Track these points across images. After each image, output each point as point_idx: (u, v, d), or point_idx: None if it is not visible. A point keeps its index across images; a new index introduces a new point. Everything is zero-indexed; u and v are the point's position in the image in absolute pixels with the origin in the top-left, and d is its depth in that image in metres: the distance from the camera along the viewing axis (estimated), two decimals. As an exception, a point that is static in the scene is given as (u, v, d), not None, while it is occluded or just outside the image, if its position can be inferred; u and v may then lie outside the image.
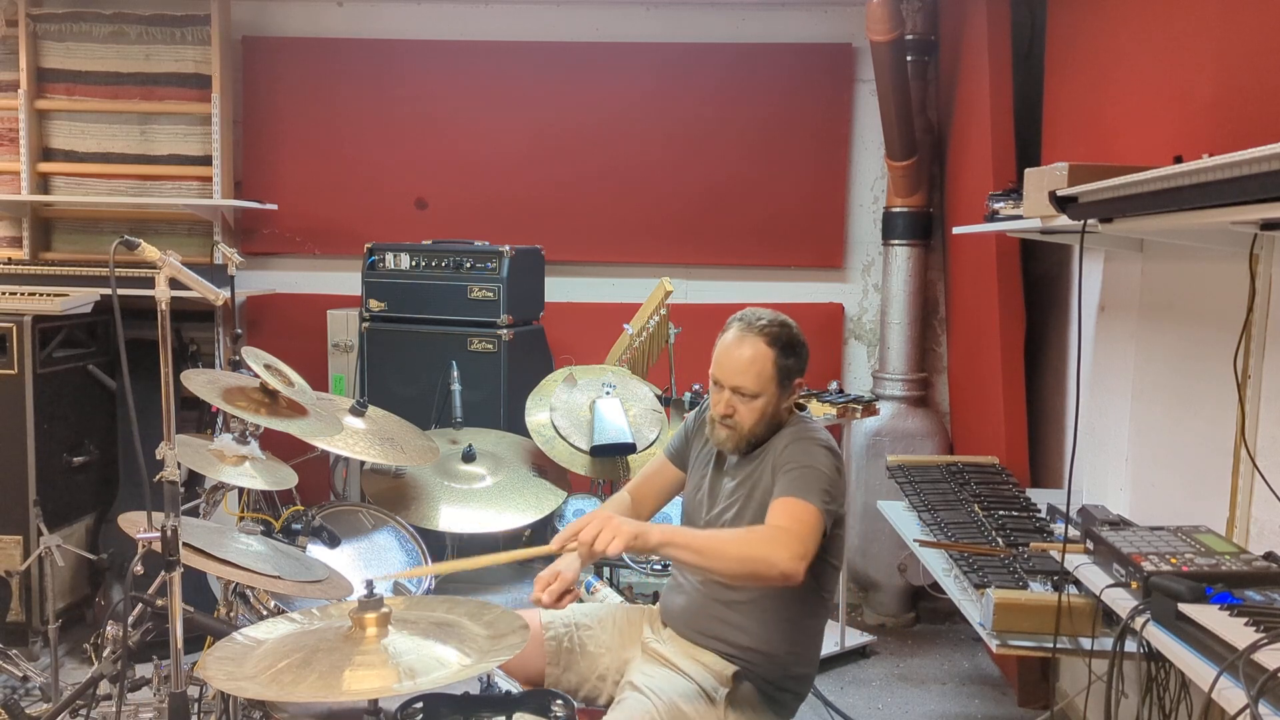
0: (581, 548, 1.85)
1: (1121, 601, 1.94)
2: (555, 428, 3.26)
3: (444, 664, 1.65)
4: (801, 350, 2.15)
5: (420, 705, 1.81)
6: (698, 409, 2.37)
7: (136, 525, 2.07)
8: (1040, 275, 3.62)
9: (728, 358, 2.11)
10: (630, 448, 3.21)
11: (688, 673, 2.09)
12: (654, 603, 2.42)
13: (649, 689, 2.04)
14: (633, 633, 2.28)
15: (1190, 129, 2.40)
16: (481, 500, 3.06)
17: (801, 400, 2.30)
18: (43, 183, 4.26)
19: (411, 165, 4.33)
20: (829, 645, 3.72)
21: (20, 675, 2.86)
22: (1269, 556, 1.93)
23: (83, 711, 2.22)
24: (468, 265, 3.73)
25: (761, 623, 2.10)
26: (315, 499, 3.54)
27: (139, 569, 2.19)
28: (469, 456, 3.18)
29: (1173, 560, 1.90)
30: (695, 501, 2.27)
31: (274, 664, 1.66)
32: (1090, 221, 2.11)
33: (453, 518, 3.00)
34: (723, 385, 2.12)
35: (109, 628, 2.23)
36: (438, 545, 3.26)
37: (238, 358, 2.65)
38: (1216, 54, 2.31)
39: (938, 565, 2.67)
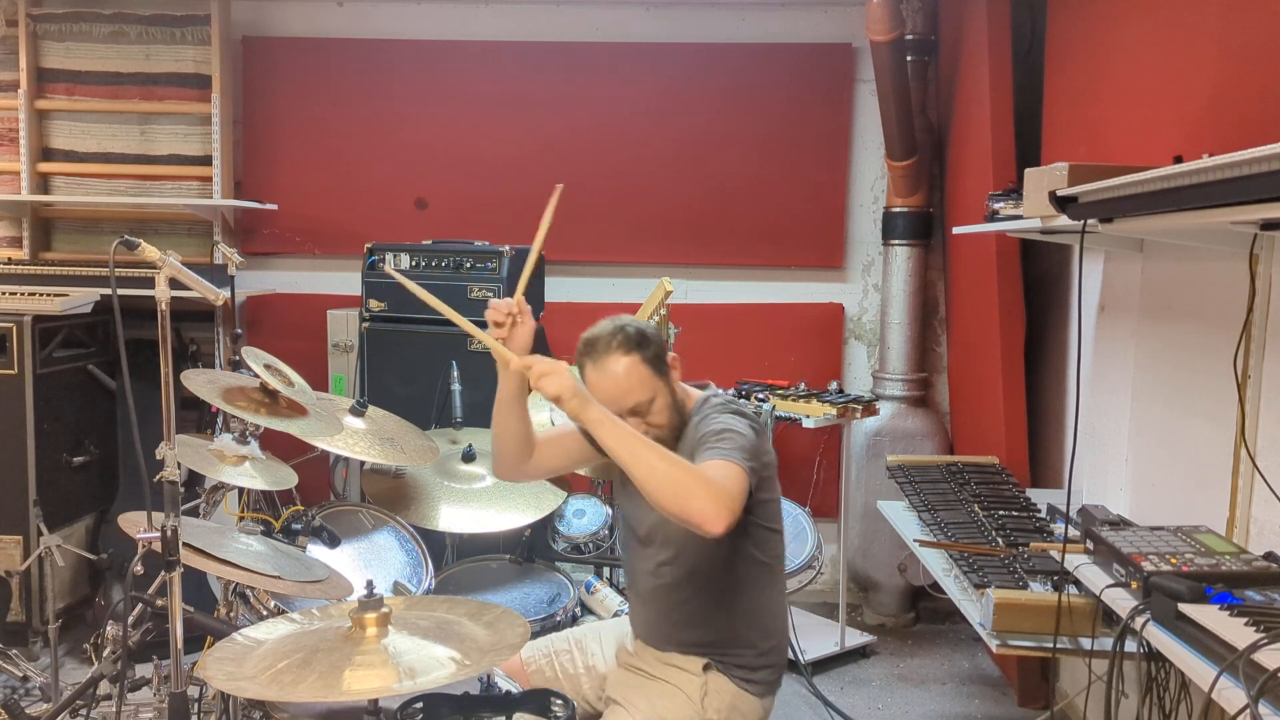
0: (528, 372, 1.89)
1: (1121, 601, 1.94)
2: (555, 427, 3.26)
3: (444, 664, 1.65)
4: (651, 334, 2.07)
5: (420, 705, 1.81)
6: None
7: (136, 525, 2.07)
8: (1040, 275, 3.62)
9: (606, 389, 2.02)
10: (630, 448, 3.20)
11: (661, 677, 2.12)
12: None
13: (627, 701, 2.09)
14: (610, 649, 2.31)
15: (1190, 129, 2.40)
16: (481, 500, 3.06)
17: (704, 380, 2.27)
18: (43, 183, 4.26)
19: (411, 165, 4.33)
20: (829, 645, 3.72)
21: (20, 675, 2.86)
22: (1269, 556, 1.93)
23: (83, 711, 2.22)
24: (468, 265, 3.73)
25: (718, 612, 2.11)
26: (315, 499, 3.54)
27: (139, 569, 2.19)
28: (469, 456, 3.18)
29: (1173, 560, 1.90)
30: (633, 504, 2.20)
31: (274, 664, 1.66)
32: (1090, 221, 2.11)
33: (453, 518, 3.00)
34: (622, 415, 2.02)
35: (109, 628, 2.23)
36: (438, 545, 3.26)
37: (238, 358, 2.65)
38: (1216, 54, 2.31)
39: (938, 565, 2.67)
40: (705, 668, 2.11)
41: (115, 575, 3.60)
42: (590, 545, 3.34)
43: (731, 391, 2.37)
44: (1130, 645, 1.94)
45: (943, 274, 4.25)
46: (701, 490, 1.78)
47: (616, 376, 2.02)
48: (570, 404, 1.83)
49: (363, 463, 3.27)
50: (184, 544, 1.98)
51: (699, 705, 2.07)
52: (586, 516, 3.38)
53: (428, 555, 3.00)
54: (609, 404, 2.01)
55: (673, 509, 1.79)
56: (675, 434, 2.09)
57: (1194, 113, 2.39)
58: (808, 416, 3.55)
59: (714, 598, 2.11)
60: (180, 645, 1.95)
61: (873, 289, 4.37)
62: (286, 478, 2.59)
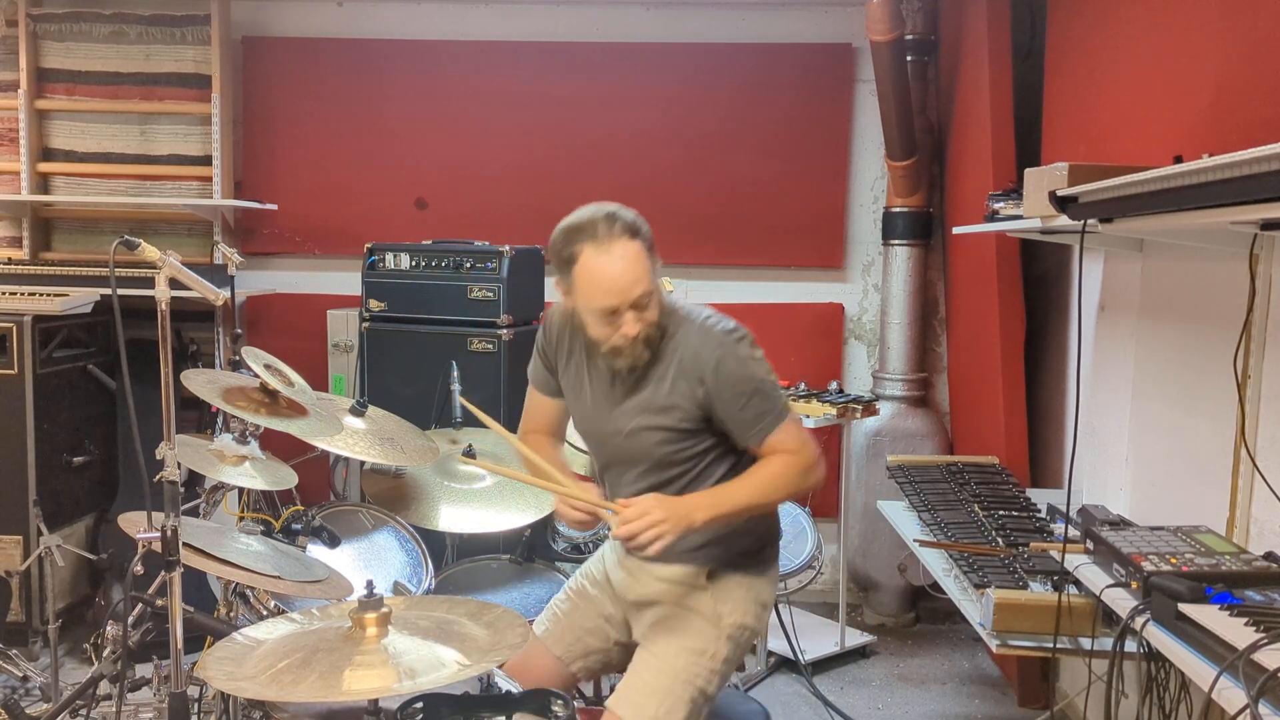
0: (633, 540, 1.86)
1: (1121, 601, 1.94)
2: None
3: (444, 664, 1.65)
4: (643, 221, 1.93)
5: (420, 705, 1.80)
6: (543, 332, 2.14)
7: (136, 525, 2.07)
8: (1040, 275, 3.62)
9: (615, 277, 1.83)
10: (630, 448, 3.20)
11: (673, 603, 2.06)
12: None
13: (650, 642, 2.05)
14: (607, 591, 2.19)
15: (1190, 129, 2.40)
16: (481, 500, 3.06)
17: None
18: (43, 183, 4.26)
19: (411, 165, 4.33)
20: (829, 645, 3.72)
21: (20, 675, 2.86)
22: (1269, 556, 1.93)
23: (83, 711, 2.22)
24: (468, 265, 3.73)
25: None
26: (315, 499, 3.54)
27: (139, 569, 2.19)
28: (469, 456, 3.17)
29: (1173, 560, 1.90)
30: (601, 420, 2.05)
31: (274, 664, 1.66)
32: (1090, 221, 2.11)
33: (453, 518, 2.99)
34: (620, 309, 1.86)
35: (109, 628, 2.23)
36: (438, 545, 3.26)
37: (238, 358, 2.65)
38: (1216, 54, 2.31)
39: (938, 565, 2.67)
40: (710, 575, 2.05)
41: (115, 575, 3.59)
42: (590, 545, 3.33)
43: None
44: (1130, 645, 1.94)
45: (943, 274, 4.25)
46: (806, 482, 1.98)
47: (627, 263, 1.84)
48: (685, 534, 1.86)
49: (363, 463, 3.26)
50: (184, 544, 1.98)
51: (714, 618, 2.03)
52: (586, 516, 3.37)
53: (428, 555, 3.00)
54: (616, 295, 1.85)
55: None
56: (660, 333, 1.95)
57: (1194, 113, 2.39)
58: (808, 416, 3.55)
59: None
60: (180, 645, 1.95)
61: (873, 289, 4.37)
62: (286, 478, 2.59)
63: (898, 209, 4.12)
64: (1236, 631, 1.60)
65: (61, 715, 2.19)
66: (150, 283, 1.94)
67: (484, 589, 3.06)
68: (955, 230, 3.51)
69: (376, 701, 1.70)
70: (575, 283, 1.90)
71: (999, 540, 2.66)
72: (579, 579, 2.29)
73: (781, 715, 3.34)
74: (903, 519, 3.02)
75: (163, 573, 2.03)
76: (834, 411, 3.56)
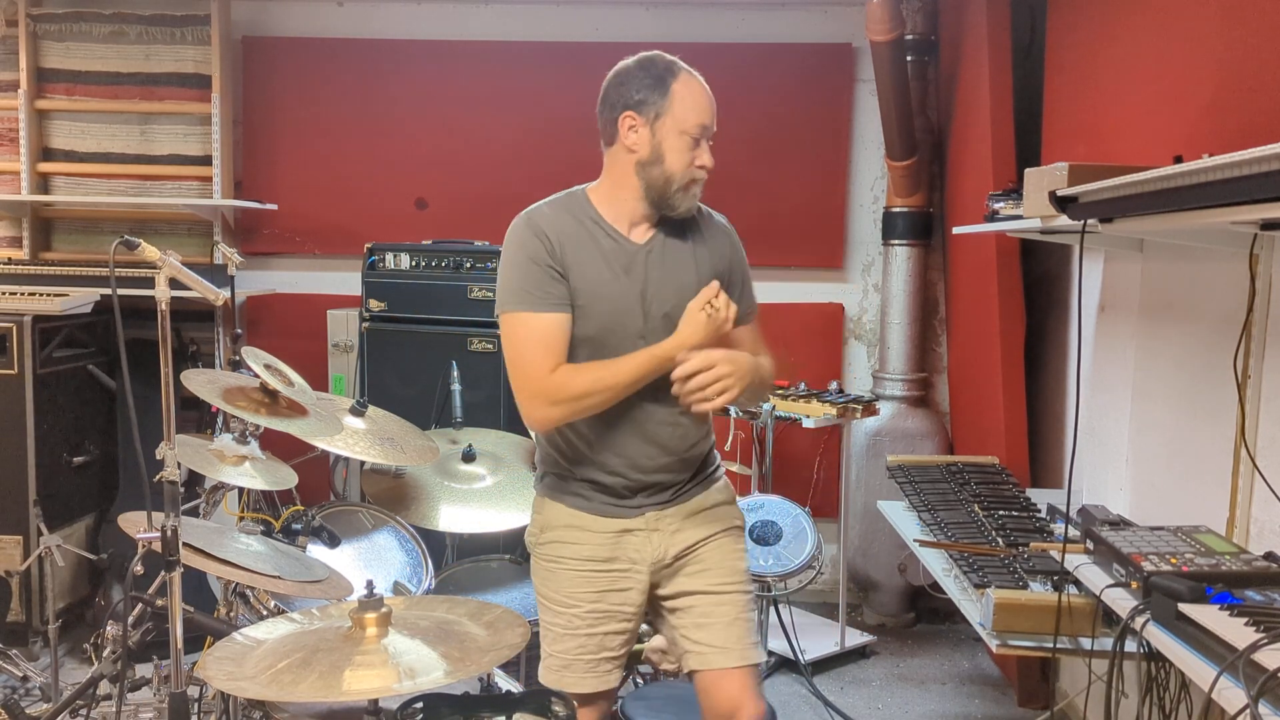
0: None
1: (1121, 601, 1.93)
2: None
3: (444, 664, 1.65)
4: None
5: (420, 705, 1.81)
6: (537, 239, 1.90)
7: (136, 525, 2.07)
8: (1040, 275, 3.62)
9: (710, 98, 1.93)
10: (630, 448, 3.20)
11: (720, 531, 2.07)
12: None
13: (711, 589, 2.00)
14: (644, 564, 2.01)
15: (1190, 129, 2.40)
16: (481, 500, 3.06)
17: None
18: (43, 183, 4.26)
19: (411, 165, 4.33)
20: (829, 645, 3.72)
21: (20, 675, 2.86)
22: (1269, 556, 1.93)
23: (83, 711, 2.22)
24: (468, 265, 3.73)
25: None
26: (315, 499, 3.54)
27: (139, 569, 2.19)
28: (469, 456, 3.18)
29: (1173, 560, 1.90)
30: (634, 306, 1.95)
31: (274, 664, 1.66)
32: (1090, 221, 2.11)
33: (453, 518, 3.00)
34: (707, 132, 1.94)
35: (109, 628, 2.24)
36: (438, 545, 3.26)
37: (238, 358, 2.65)
38: (1216, 54, 2.31)
39: (938, 565, 2.67)
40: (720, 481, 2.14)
41: (115, 575, 3.60)
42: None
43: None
44: (1130, 645, 1.94)
45: (943, 274, 4.25)
46: (770, 383, 2.15)
47: (709, 91, 1.94)
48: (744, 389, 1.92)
49: (363, 463, 3.27)
50: (184, 544, 1.98)
51: (742, 524, 2.12)
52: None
53: (428, 555, 3.00)
54: (710, 113, 1.93)
55: None
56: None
57: (1194, 113, 2.39)
58: (808, 416, 3.55)
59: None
60: (180, 645, 1.95)
61: (873, 289, 4.37)
62: (286, 478, 2.59)
63: (898, 209, 4.12)
64: (1236, 631, 1.60)
65: (61, 715, 2.19)
66: (150, 283, 1.94)
67: (484, 589, 3.06)
68: (955, 230, 3.50)
69: (376, 701, 1.70)
70: (672, 103, 1.90)
71: (999, 540, 2.66)
72: (579, 615, 1.98)
73: (781, 715, 3.34)
74: (903, 519, 3.02)
75: (163, 573, 2.04)
76: (834, 411, 3.56)
